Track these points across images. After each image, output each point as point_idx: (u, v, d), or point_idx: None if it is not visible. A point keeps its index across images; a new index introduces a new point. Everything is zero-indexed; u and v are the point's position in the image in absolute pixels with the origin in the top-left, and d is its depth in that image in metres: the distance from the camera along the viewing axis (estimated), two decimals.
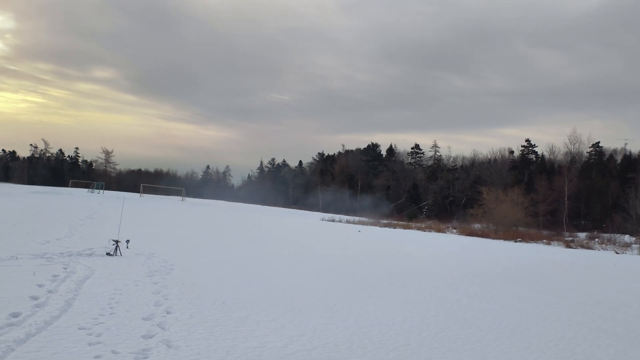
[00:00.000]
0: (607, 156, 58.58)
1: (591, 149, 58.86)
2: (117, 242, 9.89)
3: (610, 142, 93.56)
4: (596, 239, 35.50)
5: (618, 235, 37.04)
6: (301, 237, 19.86)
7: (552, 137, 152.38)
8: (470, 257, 16.62)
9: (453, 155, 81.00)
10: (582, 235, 39.55)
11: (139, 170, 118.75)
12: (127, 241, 10.94)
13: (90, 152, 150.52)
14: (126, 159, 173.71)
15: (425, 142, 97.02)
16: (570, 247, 28.68)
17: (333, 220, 40.00)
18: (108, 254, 9.75)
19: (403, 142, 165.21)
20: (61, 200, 29.82)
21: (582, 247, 29.40)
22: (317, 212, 60.99)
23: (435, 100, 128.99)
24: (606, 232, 40.78)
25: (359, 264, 12.27)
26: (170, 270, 8.78)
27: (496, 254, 19.37)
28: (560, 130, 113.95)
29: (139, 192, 57.60)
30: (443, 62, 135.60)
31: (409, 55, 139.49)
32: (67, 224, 15.81)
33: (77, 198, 35.72)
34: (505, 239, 31.94)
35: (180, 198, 56.62)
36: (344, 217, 45.82)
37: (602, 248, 29.32)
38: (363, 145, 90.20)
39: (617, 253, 26.18)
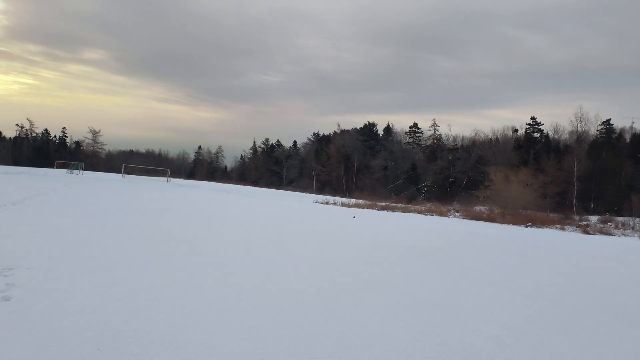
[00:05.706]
0: (616, 135, 55.57)
1: (601, 126, 55.80)
2: None
3: (617, 121, 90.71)
4: (609, 223, 32.75)
5: (634, 218, 34.33)
6: (285, 230, 16.83)
7: (541, 118, 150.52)
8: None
9: (453, 134, 77.77)
10: (593, 218, 36.87)
11: (130, 151, 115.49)
12: None
13: (80, 134, 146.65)
14: (119, 140, 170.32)
15: (419, 124, 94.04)
16: (588, 233, 25.90)
17: (327, 203, 37.06)
18: None
19: (396, 123, 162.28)
20: (24, 181, 26.66)
21: (601, 232, 26.62)
22: (311, 194, 58.09)
23: (423, 82, 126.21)
24: (620, 216, 38.07)
25: (362, 279, 9.17)
26: None
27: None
28: (551, 112, 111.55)
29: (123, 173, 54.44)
30: (429, 44, 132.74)
31: (394, 37, 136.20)
32: None
33: (51, 179, 32.56)
34: (514, 223, 29.11)
35: (165, 179, 53.66)
36: (339, 199, 42.92)
37: (622, 234, 26.55)
38: (357, 127, 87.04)
39: None
